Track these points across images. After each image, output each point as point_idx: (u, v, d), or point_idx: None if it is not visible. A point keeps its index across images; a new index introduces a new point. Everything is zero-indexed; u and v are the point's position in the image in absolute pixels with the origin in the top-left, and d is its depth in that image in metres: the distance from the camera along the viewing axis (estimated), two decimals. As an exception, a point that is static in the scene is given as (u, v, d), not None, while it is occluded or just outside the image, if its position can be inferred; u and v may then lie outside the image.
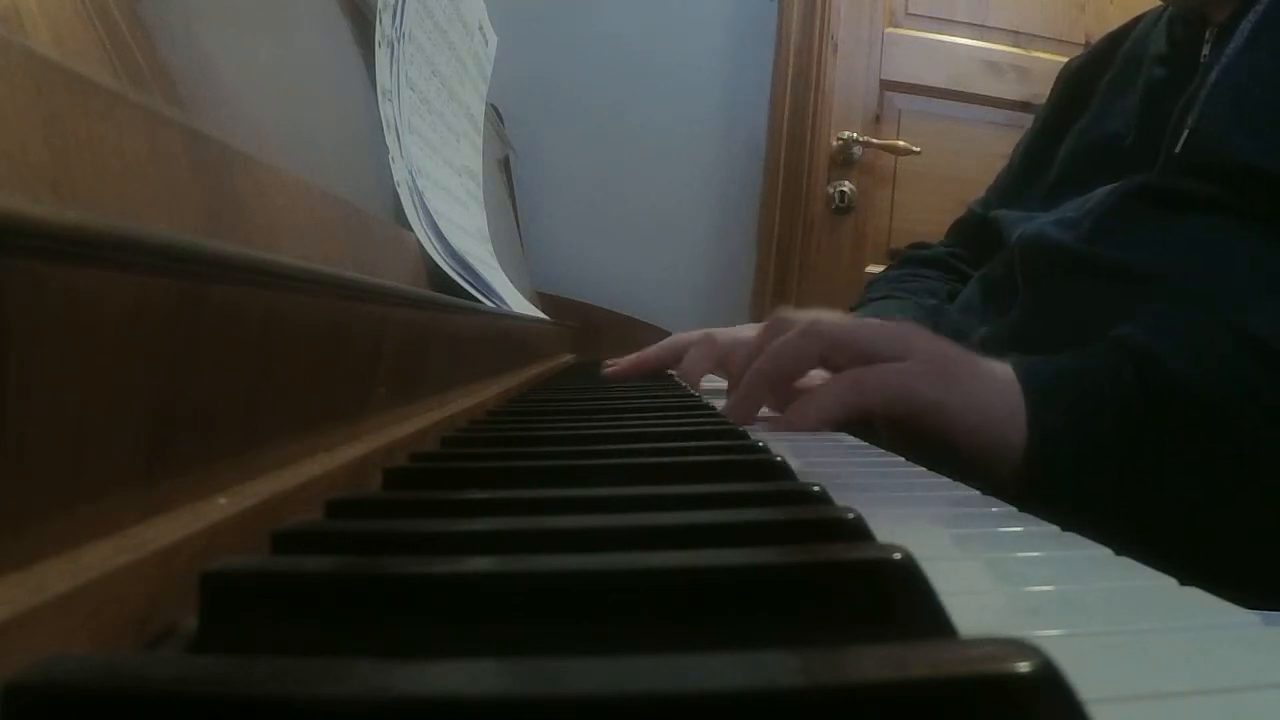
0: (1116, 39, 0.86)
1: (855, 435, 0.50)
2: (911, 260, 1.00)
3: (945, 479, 0.35)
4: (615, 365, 0.90)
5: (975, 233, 0.94)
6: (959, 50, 1.83)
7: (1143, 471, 0.47)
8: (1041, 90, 1.00)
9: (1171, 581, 0.21)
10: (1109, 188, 0.68)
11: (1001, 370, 0.51)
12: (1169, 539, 0.45)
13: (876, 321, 0.56)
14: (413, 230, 0.54)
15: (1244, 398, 0.46)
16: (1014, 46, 1.85)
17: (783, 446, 0.37)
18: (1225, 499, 0.46)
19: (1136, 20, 0.85)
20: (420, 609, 0.16)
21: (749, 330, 0.85)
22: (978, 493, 0.32)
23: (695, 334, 0.87)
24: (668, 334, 0.91)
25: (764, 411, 0.57)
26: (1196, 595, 0.20)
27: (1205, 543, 0.46)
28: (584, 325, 1.46)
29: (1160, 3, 0.79)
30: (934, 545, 0.25)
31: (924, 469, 0.38)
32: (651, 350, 0.88)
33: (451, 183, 0.73)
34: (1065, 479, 0.47)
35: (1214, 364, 0.47)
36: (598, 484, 0.29)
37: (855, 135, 1.80)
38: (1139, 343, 0.49)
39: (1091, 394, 0.48)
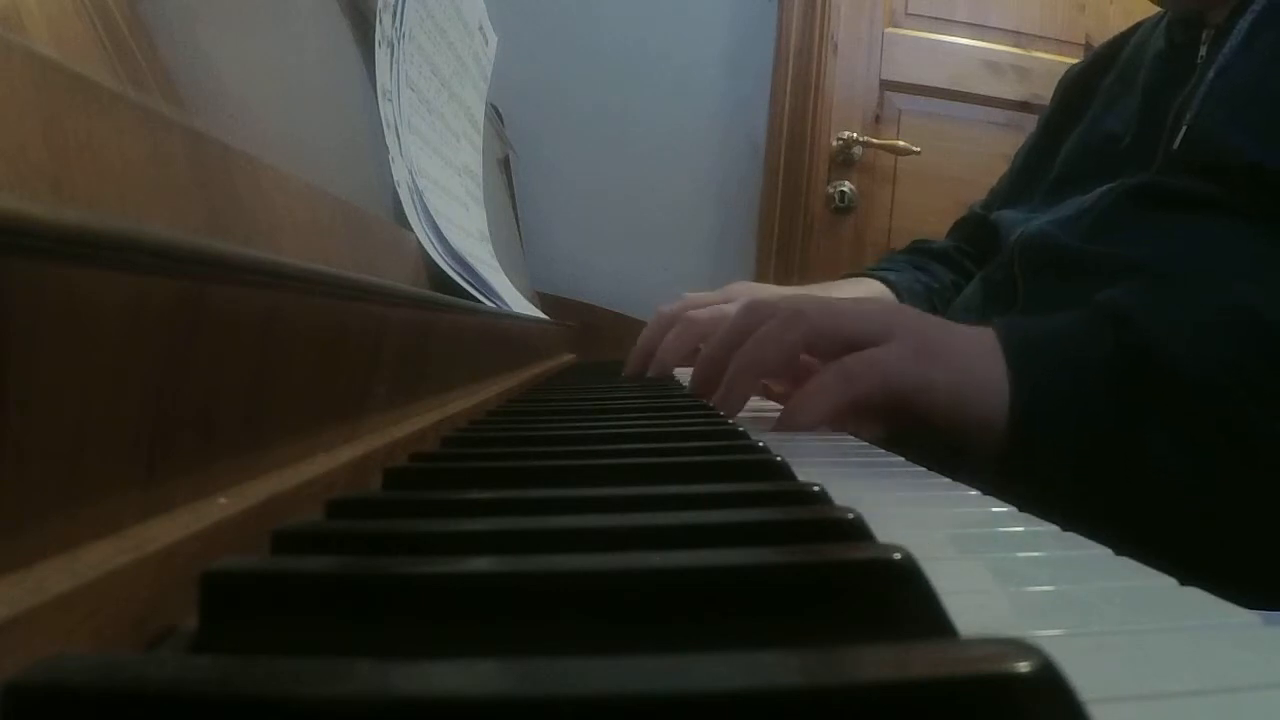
0: (1117, 44, 0.86)
1: (845, 431, 0.50)
2: (917, 251, 1.01)
3: (945, 479, 0.35)
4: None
5: (977, 231, 0.94)
6: (959, 50, 1.83)
7: (1125, 438, 0.47)
8: (1041, 90, 1.01)
9: (1171, 581, 0.21)
10: (1107, 187, 0.68)
11: (983, 337, 0.51)
12: (1154, 515, 0.45)
13: (858, 303, 0.55)
14: (413, 230, 0.54)
15: (1226, 369, 0.45)
16: (1014, 46, 1.85)
17: (781, 447, 0.37)
18: (1213, 475, 0.46)
19: (1136, 26, 0.85)
20: (420, 609, 0.16)
21: (708, 296, 0.84)
22: (977, 492, 0.32)
23: (676, 307, 0.85)
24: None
25: (759, 413, 0.57)
26: (1196, 595, 0.20)
27: (1197, 526, 0.45)
28: (584, 325, 1.46)
29: (1159, 8, 0.79)
30: (934, 545, 0.25)
31: (924, 469, 0.38)
32: (642, 340, 0.85)
33: (451, 183, 0.73)
34: (1046, 444, 0.47)
35: (1196, 332, 0.46)
36: (598, 484, 0.29)
37: (855, 135, 1.80)
38: (1119, 307, 0.49)
39: (1071, 358, 0.48)
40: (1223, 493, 0.46)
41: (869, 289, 0.92)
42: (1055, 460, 0.47)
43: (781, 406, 0.58)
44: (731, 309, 0.82)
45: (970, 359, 0.49)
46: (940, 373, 0.48)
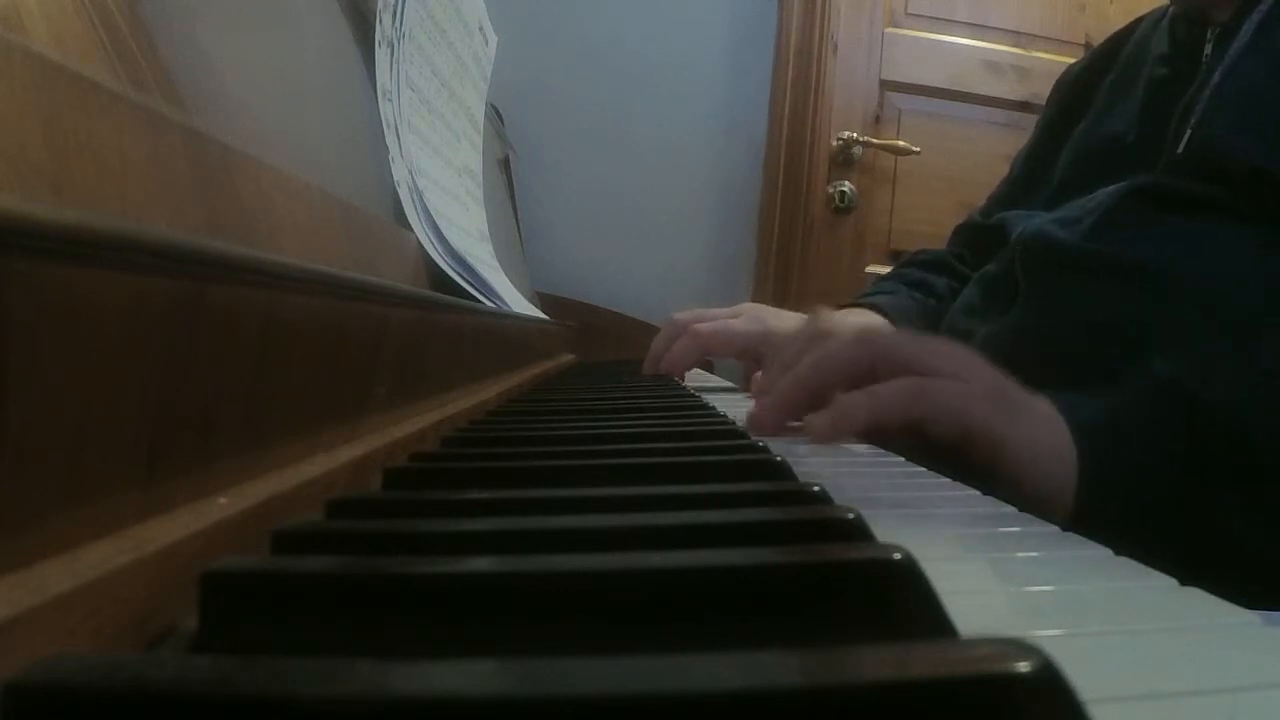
0: (1117, 41, 0.86)
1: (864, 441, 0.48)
2: (915, 263, 1.00)
3: (945, 479, 0.35)
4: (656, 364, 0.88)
5: (976, 237, 0.94)
6: (959, 50, 1.83)
7: (1197, 511, 0.45)
8: (1041, 90, 1.00)
9: (1171, 581, 0.21)
10: (1111, 187, 0.68)
11: (1045, 405, 0.48)
12: (1224, 577, 0.44)
13: (931, 338, 0.51)
14: (413, 230, 0.54)
15: None
16: (1014, 46, 1.85)
17: (780, 447, 0.37)
18: None
19: (1137, 22, 0.85)
20: (420, 609, 0.16)
21: (740, 324, 0.85)
22: (977, 492, 0.32)
23: (685, 316, 0.87)
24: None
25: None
26: (1196, 595, 0.20)
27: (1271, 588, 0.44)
28: (584, 325, 1.46)
29: (1162, 3, 0.79)
30: (934, 545, 0.25)
31: (923, 469, 0.38)
32: (653, 348, 0.88)
33: (451, 183, 0.73)
34: (1115, 523, 0.43)
35: (1257, 395, 0.45)
36: (598, 484, 0.29)
37: (855, 135, 1.80)
38: (1180, 384, 0.47)
39: (1140, 437, 0.46)
40: None
41: (860, 320, 0.88)
42: (1124, 535, 0.46)
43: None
44: (739, 324, 0.84)
45: (1040, 425, 0.46)
46: (1013, 430, 0.45)
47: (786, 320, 0.86)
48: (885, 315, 0.89)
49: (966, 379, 0.47)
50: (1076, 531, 0.25)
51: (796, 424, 0.49)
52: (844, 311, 0.94)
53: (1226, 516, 0.45)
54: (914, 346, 0.49)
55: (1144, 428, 0.47)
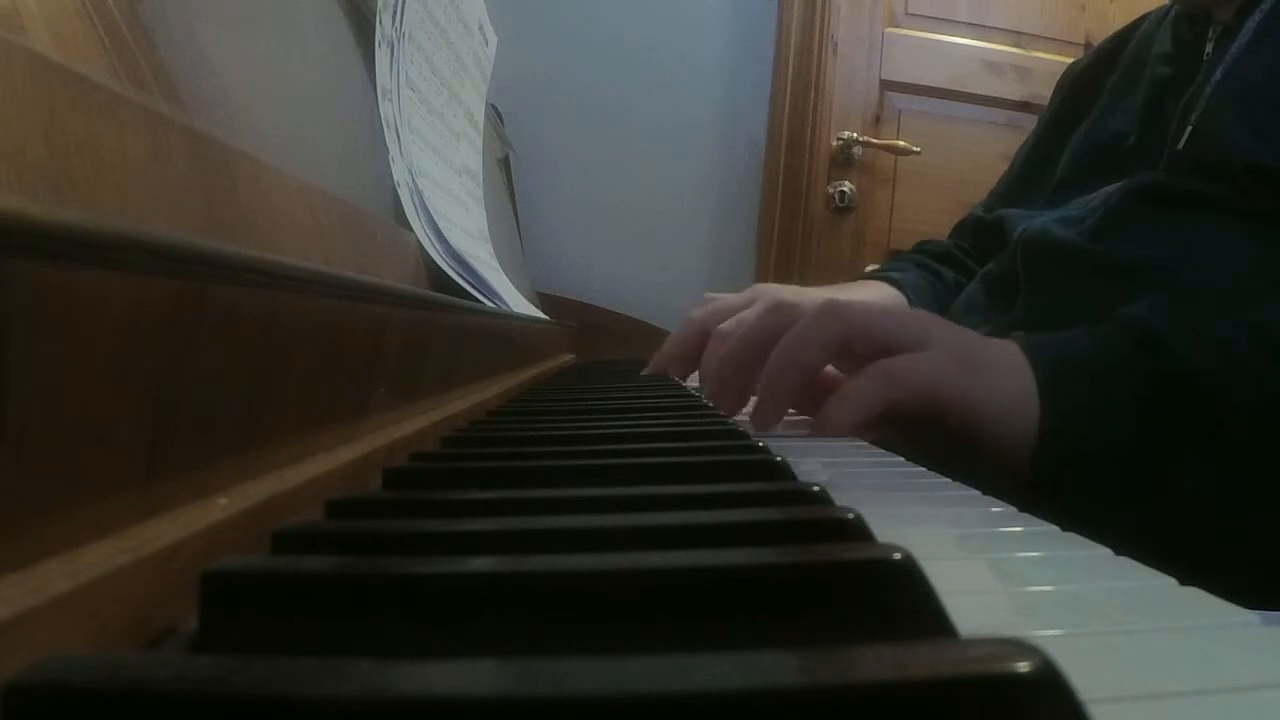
0: (1121, 39, 0.86)
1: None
2: (923, 252, 1.00)
3: (945, 479, 0.35)
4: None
5: (977, 232, 0.94)
6: (959, 50, 1.83)
7: (1159, 462, 0.46)
8: (1041, 90, 1.01)
9: (1171, 581, 0.21)
10: (1112, 186, 0.68)
11: (1012, 352, 0.49)
12: (1186, 534, 0.44)
13: (892, 308, 0.53)
14: (413, 230, 0.54)
15: (1259, 393, 0.45)
16: (1014, 46, 1.85)
17: (780, 446, 0.37)
18: (1246, 494, 0.45)
19: (1140, 20, 0.85)
20: (420, 609, 0.16)
21: (735, 299, 0.83)
22: (977, 492, 0.32)
23: (700, 313, 0.85)
24: (668, 334, 0.90)
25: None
26: (1196, 595, 0.20)
27: (1227, 543, 0.45)
28: (584, 325, 1.46)
29: (1164, 2, 0.79)
30: (934, 545, 0.25)
31: (924, 469, 0.38)
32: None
33: (451, 183, 0.73)
34: (1080, 466, 0.46)
35: (1227, 353, 0.46)
36: (598, 484, 0.29)
37: (855, 135, 1.80)
38: (1149, 329, 0.48)
39: (1104, 384, 0.47)
40: (1255, 511, 0.45)
41: (877, 292, 0.89)
42: (1085, 484, 0.46)
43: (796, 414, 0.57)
44: (737, 300, 0.82)
45: (1003, 376, 0.48)
46: (979, 388, 0.47)
47: (804, 298, 0.85)
48: (902, 290, 0.89)
49: (929, 344, 0.48)
50: (1077, 531, 0.25)
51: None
52: (855, 284, 0.93)
53: (1188, 467, 0.45)
54: (878, 319, 0.50)
55: (1110, 367, 0.48)
